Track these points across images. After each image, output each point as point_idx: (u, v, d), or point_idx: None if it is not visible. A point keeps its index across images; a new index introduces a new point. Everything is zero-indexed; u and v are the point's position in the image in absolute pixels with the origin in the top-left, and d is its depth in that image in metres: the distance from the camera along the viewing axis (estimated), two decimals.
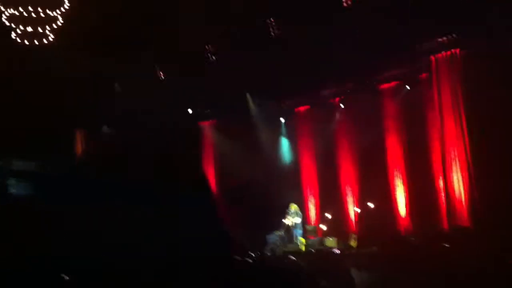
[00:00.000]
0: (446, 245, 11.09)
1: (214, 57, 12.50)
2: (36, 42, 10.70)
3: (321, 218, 15.57)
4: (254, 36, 12.15)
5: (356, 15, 11.34)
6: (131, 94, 14.60)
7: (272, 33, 11.26)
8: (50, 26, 10.62)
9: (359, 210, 14.60)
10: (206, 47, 12.46)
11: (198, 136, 17.21)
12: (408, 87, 13.73)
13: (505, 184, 11.20)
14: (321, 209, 15.71)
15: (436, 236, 12.06)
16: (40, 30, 10.61)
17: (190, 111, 16.53)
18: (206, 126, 17.38)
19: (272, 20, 11.02)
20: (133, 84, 14.59)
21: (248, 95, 15.78)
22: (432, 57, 12.61)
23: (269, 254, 12.70)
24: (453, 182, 12.31)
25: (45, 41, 10.73)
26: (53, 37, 10.77)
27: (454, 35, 12.04)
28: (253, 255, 13.04)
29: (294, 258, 10.56)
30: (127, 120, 13.96)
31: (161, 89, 14.62)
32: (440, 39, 12.29)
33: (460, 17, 11.07)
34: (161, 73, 14.06)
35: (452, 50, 12.27)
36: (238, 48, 12.69)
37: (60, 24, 10.68)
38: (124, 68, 13.73)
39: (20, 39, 10.67)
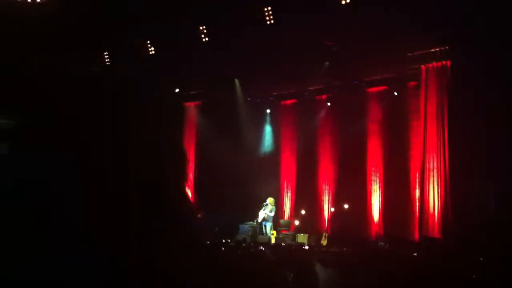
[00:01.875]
0: (414, 254, 11.20)
1: (207, 39, 12.32)
2: None
3: (295, 213, 15.59)
4: (250, 23, 11.99)
5: (356, 17, 11.23)
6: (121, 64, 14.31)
7: (269, 22, 11.11)
8: None
9: (333, 210, 14.63)
10: (200, 27, 12.28)
11: (182, 115, 17.06)
12: (395, 93, 13.77)
13: (479, 203, 11.28)
14: (296, 204, 15.73)
15: (406, 244, 12.15)
16: None
17: (177, 90, 16.34)
18: (191, 107, 17.22)
19: (270, 8, 10.88)
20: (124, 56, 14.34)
21: (236, 81, 15.67)
22: (423, 67, 12.64)
23: (241, 243, 12.68)
24: (428, 193, 12.31)
25: None
26: None
27: (446, 47, 12.03)
28: (224, 241, 13.04)
29: (263, 249, 10.58)
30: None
31: (150, 64, 14.39)
32: (432, 50, 12.29)
33: (454, 31, 11.05)
34: (152, 48, 13.84)
35: (443, 61, 12.30)
36: (233, 33, 12.53)
37: None
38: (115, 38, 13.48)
39: None
